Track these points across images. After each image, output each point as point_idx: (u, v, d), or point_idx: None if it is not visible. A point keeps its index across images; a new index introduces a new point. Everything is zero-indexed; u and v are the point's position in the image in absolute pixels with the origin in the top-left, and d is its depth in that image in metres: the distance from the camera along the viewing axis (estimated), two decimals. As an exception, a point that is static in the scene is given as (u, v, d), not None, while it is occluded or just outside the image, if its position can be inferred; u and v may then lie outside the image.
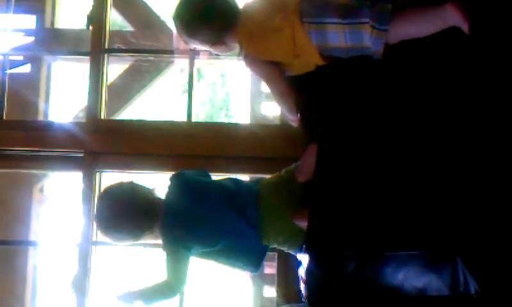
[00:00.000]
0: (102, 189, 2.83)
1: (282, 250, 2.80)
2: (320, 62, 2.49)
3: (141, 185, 2.76)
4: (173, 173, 2.82)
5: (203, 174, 2.87)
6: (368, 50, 2.41)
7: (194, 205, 2.71)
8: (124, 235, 2.71)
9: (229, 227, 2.69)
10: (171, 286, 2.66)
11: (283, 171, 2.79)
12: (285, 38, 2.48)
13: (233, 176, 2.94)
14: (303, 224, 2.54)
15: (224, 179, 2.85)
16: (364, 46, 2.40)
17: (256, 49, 2.58)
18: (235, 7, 2.63)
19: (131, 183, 2.78)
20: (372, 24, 2.36)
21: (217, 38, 2.62)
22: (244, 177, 4.38)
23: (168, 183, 2.79)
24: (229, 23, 2.61)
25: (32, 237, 5.07)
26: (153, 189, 2.78)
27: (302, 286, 2.52)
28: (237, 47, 2.67)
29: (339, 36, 2.41)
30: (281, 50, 2.52)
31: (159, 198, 2.76)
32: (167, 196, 2.76)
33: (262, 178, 2.88)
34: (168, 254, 2.67)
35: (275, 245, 2.76)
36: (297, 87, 2.62)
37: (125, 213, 2.68)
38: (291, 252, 2.75)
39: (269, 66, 2.60)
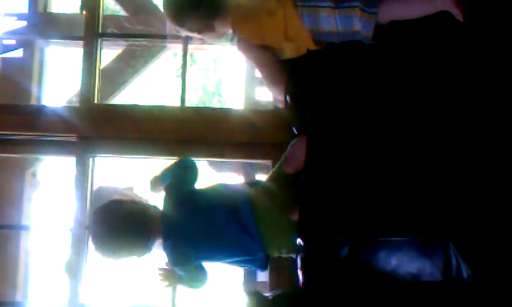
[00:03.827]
0: (93, 211, 2.79)
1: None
2: (313, 46, 2.49)
3: (131, 201, 2.75)
4: (167, 185, 2.77)
5: (190, 173, 2.81)
6: (359, 34, 2.41)
7: (199, 226, 2.68)
8: (120, 254, 2.71)
9: (235, 244, 2.68)
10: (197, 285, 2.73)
11: (268, 178, 2.78)
12: (277, 21, 2.48)
13: (227, 161, 2.92)
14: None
15: (216, 186, 2.80)
16: (355, 30, 2.40)
17: (249, 32, 2.58)
18: None
19: (120, 200, 2.76)
20: (361, 7, 2.36)
21: (206, 24, 2.62)
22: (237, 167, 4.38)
23: (163, 197, 2.75)
24: (217, 9, 2.60)
25: (24, 222, 5.06)
26: (144, 202, 2.76)
27: (299, 272, 2.53)
28: (226, 33, 2.66)
29: (330, 21, 2.41)
30: (274, 33, 2.52)
31: (153, 210, 2.73)
32: (165, 214, 2.72)
33: (250, 191, 2.80)
34: (178, 270, 2.72)
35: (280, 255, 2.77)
36: (288, 71, 2.62)
37: (118, 232, 2.67)
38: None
39: (261, 50, 2.60)
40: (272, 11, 2.48)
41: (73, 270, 3.28)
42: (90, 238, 2.79)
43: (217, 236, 2.67)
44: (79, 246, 3.29)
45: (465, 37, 2.37)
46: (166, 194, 2.75)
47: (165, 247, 2.69)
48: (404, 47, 2.45)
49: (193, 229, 2.67)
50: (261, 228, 2.64)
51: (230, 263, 2.77)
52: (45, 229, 6.68)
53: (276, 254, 2.75)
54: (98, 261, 2.93)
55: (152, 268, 2.79)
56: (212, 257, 2.73)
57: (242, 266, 2.81)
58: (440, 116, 2.38)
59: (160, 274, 2.76)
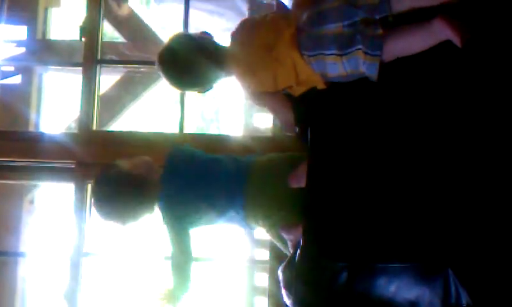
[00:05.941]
0: (95, 178, 2.82)
1: (274, 265, 2.82)
2: (323, 87, 2.51)
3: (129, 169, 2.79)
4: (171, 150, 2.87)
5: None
6: (364, 74, 2.42)
7: (196, 186, 2.75)
8: (121, 217, 2.77)
9: (221, 211, 2.76)
10: (180, 262, 2.76)
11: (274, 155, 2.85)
12: (287, 69, 2.49)
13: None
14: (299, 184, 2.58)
15: (224, 157, 2.86)
16: (360, 72, 2.41)
17: (261, 85, 2.58)
18: (217, 50, 2.66)
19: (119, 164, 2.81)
20: (364, 50, 2.37)
21: (210, 85, 2.69)
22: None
23: (168, 157, 2.83)
24: (219, 71, 2.65)
25: (22, 248, 5.05)
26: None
27: (286, 299, 2.56)
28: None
29: (338, 66, 2.42)
30: (285, 79, 2.53)
31: (154, 172, 2.80)
32: (166, 173, 2.79)
33: (253, 161, 2.86)
34: (169, 232, 2.74)
35: (260, 226, 2.82)
36: (297, 101, 2.64)
37: (120, 195, 2.73)
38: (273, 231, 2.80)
39: (271, 94, 2.62)
40: (282, 60, 2.49)
41: (72, 297, 3.27)
42: (93, 205, 2.83)
43: (207, 187, 2.75)
44: (77, 273, 3.28)
45: (468, 64, 2.38)
46: (169, 156, 2.84)
47: (162, 206, 2.75)
48: (409, 78, 2.45)
49: (189, 185, 2.76)
50: (250, 190, 2.73)
51: (218, 219, 2.82)
52: (43, 256, 6.65)
53: (254, 224, 2.80)
54: (96, 287, 2.93)
55: (151, 288, 2.81)
56: (205, 222, 2.79)
57: (230, 223, 2.85)
58: (440, 144, 2.38)
59: (159, 297, 2.78)
